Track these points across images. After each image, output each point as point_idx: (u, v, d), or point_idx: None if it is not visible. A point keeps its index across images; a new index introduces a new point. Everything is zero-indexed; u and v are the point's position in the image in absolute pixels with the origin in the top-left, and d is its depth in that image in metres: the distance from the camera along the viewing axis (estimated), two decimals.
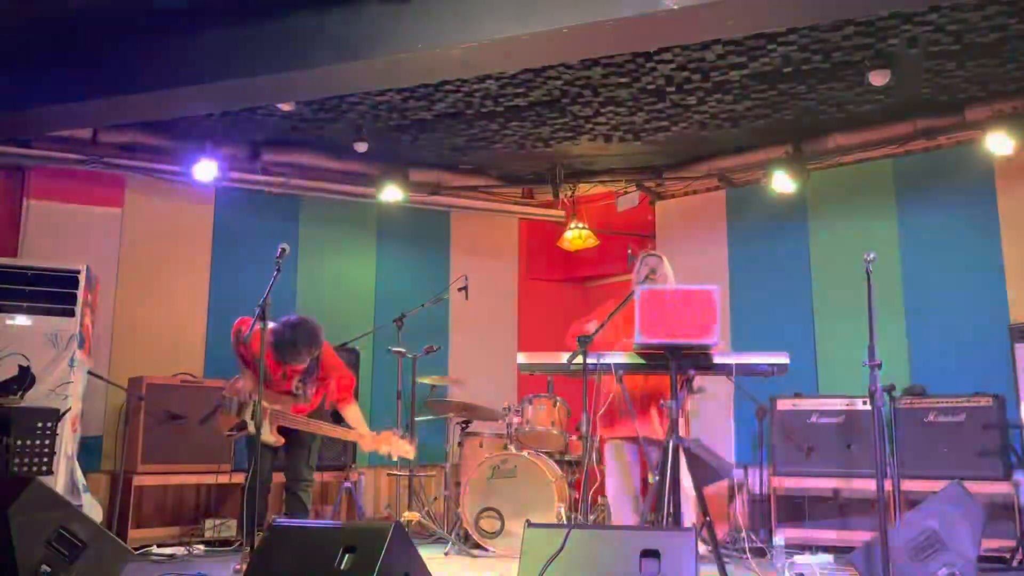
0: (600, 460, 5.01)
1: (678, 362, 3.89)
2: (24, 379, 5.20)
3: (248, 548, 3.97)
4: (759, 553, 5.33)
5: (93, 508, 5.30)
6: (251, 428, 4.20)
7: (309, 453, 4.83)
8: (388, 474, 6.79)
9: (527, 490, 5.48)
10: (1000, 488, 5.20)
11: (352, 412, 4.93)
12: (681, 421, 4.03)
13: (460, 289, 6.33)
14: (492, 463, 5.61)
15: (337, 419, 6.32)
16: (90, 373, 5.65)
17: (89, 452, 5.88)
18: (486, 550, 5.51)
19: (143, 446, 5.76)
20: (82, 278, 5.45)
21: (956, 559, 3.84)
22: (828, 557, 5.14)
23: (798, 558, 4.99)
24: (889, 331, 5.84)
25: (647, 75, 5.33)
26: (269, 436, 4.60)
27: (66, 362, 5.31)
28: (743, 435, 6.33)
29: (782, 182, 6.32)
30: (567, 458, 6.00)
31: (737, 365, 3.95)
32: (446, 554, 5.48)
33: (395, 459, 4.79)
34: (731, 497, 6.28)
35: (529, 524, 3.35)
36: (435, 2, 4.00)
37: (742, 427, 6.26)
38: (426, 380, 6.29)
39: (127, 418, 5.83)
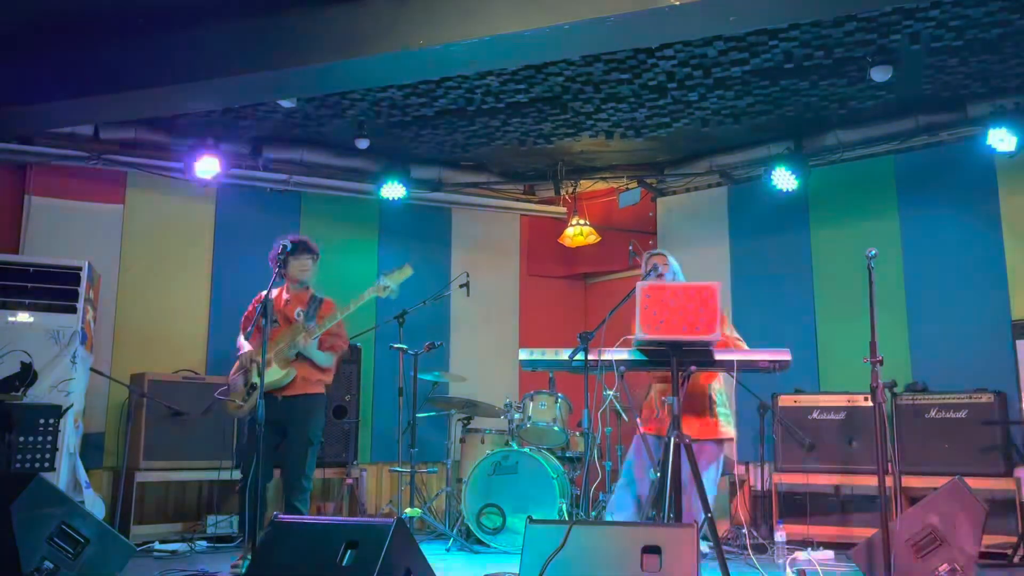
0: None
1: (680, 358, 3.88)
2: (26, 376, 5.20)
3: (250, 544, 3.97)
4: (760, 549, 5.34)
5: (95, 504, 5.31)
6: (255, 378, 4.50)
7: (307, 457, 4.77)
8: (390, 470, 6.79)
9: (528, 486, 5.49)
10: (1001, 484, 5.20)
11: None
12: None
13: (461, 286, 6.33)
14: (494, 459, 5.62)
15: (338, 414, 6.38)
16: (92, 370, 5.66)
17: (91, 449, 5.89)
18: (487, 546, 5.52)
19: (145, 442, 5.77)
20: (84, 275, 5.45)
21: (957, 555, 3.84)
22: (829, 553, 5.15)
23: (799, 554, 5.00)
24: (890, 327, 5.83)
25: (648, 71, 5.32)
26: (278, 372, 4.66)
27: (68, 359, 5.32)
28: (744, 431, 6.31)
29: (783, 178, 6.31)
30: (568, 454, 6.01)
31: (739, 361, 3.94)
32: (447, 550, 5.49)
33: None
34: (732, 493, 6.28)
35: (531, 520, 3.35)
36: None
37: (743, 423, 6.25)
38: (427, 376, 6.29)
39: (129, 415, 5.84)
